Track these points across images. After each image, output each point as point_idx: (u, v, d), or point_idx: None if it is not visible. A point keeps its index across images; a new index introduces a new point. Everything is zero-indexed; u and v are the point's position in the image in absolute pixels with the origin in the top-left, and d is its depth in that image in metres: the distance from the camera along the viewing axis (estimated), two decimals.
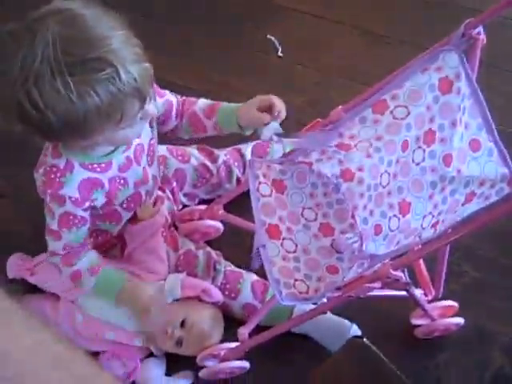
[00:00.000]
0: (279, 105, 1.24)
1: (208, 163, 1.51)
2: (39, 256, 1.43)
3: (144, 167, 1.28)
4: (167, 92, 1.31)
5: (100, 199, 1.22)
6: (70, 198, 1.17)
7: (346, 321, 1.37)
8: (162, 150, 1.46)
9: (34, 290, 1.43)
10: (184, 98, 1.33)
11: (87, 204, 1.20)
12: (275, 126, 1.20)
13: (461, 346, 1.42)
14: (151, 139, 1.29)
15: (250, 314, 1.36)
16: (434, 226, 1.08)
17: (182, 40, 1.85)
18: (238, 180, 1.53)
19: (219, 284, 1.39)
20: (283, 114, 1.23)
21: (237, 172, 1.53)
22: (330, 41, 1.85)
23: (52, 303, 1.37)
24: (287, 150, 1.30)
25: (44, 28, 0.98)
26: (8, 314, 0.68)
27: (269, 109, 1.22)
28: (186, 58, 1.82)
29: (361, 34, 1.86)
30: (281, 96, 1.74)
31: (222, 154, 1.53)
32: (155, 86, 1.23)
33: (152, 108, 1.13)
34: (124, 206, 1.29)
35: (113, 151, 1.20)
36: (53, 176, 1.16)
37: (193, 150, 1.51)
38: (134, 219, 1.35)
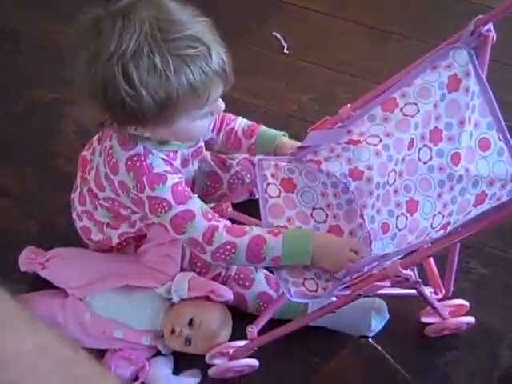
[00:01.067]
0: None
1: (219, 172, 1.49)
2: (52, 250, 1.43)
3: (195, 170, 1.30)
4: (221, 101, 1.28)
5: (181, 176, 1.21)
6: (165, 171, 1.16)
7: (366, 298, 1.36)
8: None
9: (43, 286, 1.43)
10: (225, 113, 1.35)
11: (180, 175, 1.19)
12: None
13: (469, 345, 1.42)
14: (201, 146, 1.31)
15: (265, 303, 1.36)
16: (444, 227, 1.07)
17: None
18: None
19: (233, 274, 1.39)
20: None
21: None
22: (337, 38, 1.85)
23: (60, 301, 1.37)
24: None
25: (136, 10, 1.02)
26: (10, 316, 0.68)
27: None
28: None
29: (368, 31, 1.85)
30: (287, 94, 1.76)
31: (235, 164, 1.51)
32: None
33: (222, 103, 1.16)
34: None
35: (181, 144, 1.21)
36: (139, 164, 1.15)
37: (205, 156, 1.48)
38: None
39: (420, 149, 1.14)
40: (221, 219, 1.19)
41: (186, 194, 1.17)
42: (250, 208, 1.48)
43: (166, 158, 1.18)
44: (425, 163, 1.14)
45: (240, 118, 1.36)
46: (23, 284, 1.43)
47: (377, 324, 1.35)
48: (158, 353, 1.38)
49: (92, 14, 1.06)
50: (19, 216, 1.58)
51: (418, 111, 1.12)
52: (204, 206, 1.19)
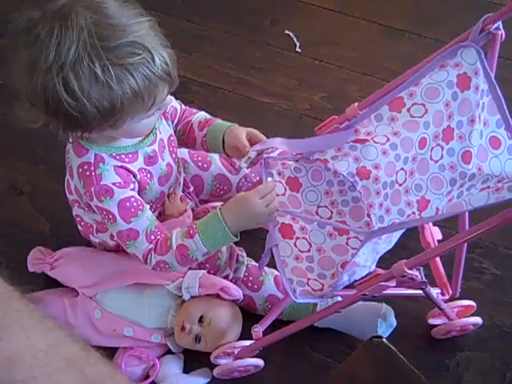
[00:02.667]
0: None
1: (228, 175, 1.46)
2: (60, 250, 1.44)
3: (168, 163, 1.28)
4: (173, 98, 1.30)
5: (136, 188, 1.20)
6: (114, 184, 1.15)
7: (374, 302, 1.36)
8: (184, 153, 1.44)
9: (53, 285, 1.44)
10: (186, 107, 1.33)
11: (132, 185, 1.18)
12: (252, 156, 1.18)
13: (482, 345, 1.41)
14: (170, 135, 1.29)
15: (274, 305, 1.36)
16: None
17: (198, 36, 1.85)
18: None
19: (242, 276, 1.39)
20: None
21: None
22: (349, 36, 1.83)
23: (70, 299, 1.39)
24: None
25: (73, 14, 0.98)
26: (21, 315, 0.68)
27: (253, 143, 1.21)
28: (202, 54, 1.82)
29: (380, 28, 1.83)
30: (299, 92, 1.76)
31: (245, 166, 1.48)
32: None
33: (169, 97, 1.15)
34: (151, 206, 1.29)
35: (139, 142, 1.20)
36: (88, 173, 1.14)
37: (214, 156, 1.47)
38: (160, 216, 1.35)
39: (432, 148, 1.13)
40: (158, 237, 1.19)
41: (133, 210, 1.16)
42: None
43: (119, 163, 1.16)
44: (436, 162, 1.13)
45: (200, 113, 1.32)
46: (34, 282, 1.44)
47: (383, 331, 1.35)
48: (169, 351, 1.39)
49: (27, 15, 1.02)
50: (32, 213, 1.60)
51: (426, 111, 1.11)
52: (151, 224, 1.18)
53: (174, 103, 1.31)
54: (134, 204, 1.17)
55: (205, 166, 1.46)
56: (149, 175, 1.23)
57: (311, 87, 1.76)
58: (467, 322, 1.36)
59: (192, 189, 1.44)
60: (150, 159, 1.22)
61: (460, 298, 1.36)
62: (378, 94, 1.16)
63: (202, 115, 1.32)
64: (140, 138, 1.20)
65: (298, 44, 1.83)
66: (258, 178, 1.47)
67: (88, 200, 1.18)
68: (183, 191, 1.42)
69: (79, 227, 1.39)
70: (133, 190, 1.18)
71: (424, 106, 1.11)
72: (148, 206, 1.20)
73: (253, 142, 1.21)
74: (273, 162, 1.23)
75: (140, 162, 1.20)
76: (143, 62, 1.00)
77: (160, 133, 1.25)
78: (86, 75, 0.98)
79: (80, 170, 1.15)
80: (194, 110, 1.33)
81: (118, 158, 1.17)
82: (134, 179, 1.19)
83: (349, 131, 1.16)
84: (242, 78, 1.79)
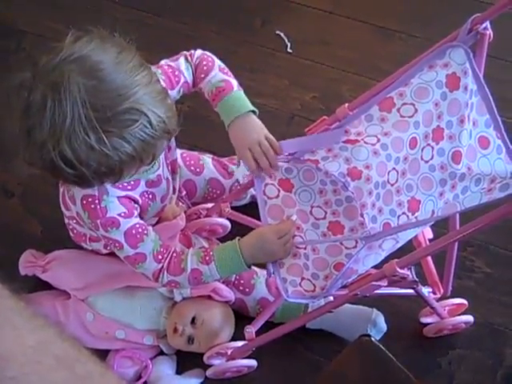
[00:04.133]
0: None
1: (221, 179, 1.46)
2: (52, 253, 1.44)
3: (167, 179, 1.28)
4: (182, 68, 1.22)
5: (138, 213, 1.20)
6: (119, 215, 1.15)
7: (365, 307, 1.37)
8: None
9: (45, 288, 1.44)
10: (197, 62, 1.24)
11: (136, 213, 1.18)
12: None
13: (473, 343, 1.42)
14: (169, 149, 1.27)
15: (265, 309, 1.35)
16: None
17: (189, 37, 1.85)
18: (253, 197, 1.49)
19: (233, 280, 1.39)
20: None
21: (252, 191, 1.46)
22: (340, 36, 1.83)
23: (62, 302, 1.39)
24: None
25: (66, 82, 0.95)
26: (12, 313, 0.68)
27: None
28: None
29: (371, 28, 1.83)
30: (290, 92, 1.76)
31: (238, 172, 1.48)
32: (169, 72, 1.20)
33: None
34: (152, 217, 1.30)
35: (144, 172, 1.17)
36: (93, 206, 1.13)
37: (207, 160, 1.47)
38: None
39: (423, 148, 1.13)
40: (168, 256, 1.19)
41: (139, 236, 1.17)
42: (248, 208, 1.48)
43: (123, 193, 1.16)
44: (426, 162, 1.13)
45: (207, 78, 1.22)
46: (26, 284, 1.44)
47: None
48: (161, 353, 1.39)
49: (18, 79, 1.00)
50: (23, 215, 1.59)
51: (416, 111, 1.12)
52: (156, 245, 1.18)
53: (183, 79, 1.22)
54: (139, 230, 1.17)
55: (197, 170, 1.45)
56: (151, 196, 1.23)
57: (303, 87, 1.76)
58: (459, 320, 1.36)
59: (184, 193, 1.44)
60: (153, 183, 1.22)
61: (452, 297, 1.37)
62: (367, 95, 1.17)
63: (210, 83, 1.22)
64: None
65: (289, 44, 1.83)
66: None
67: (93, 228, 1.18)
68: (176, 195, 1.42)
69: (71, 234, 1.39)
70: (136, 217, 1.18)
71: (414, 105, 1.12)
72: (151, 228, 1.20)
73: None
74: None
75: (142, 185, 1.20)
76: (140, 128, 0.99)
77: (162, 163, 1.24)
78: (82, 148, 0.97)
79: (84, 202, 1.14)
80: (202, 74, 1.23)
81: (120, 186, 1.16)
82: (136, 205, 1.19)
83: (340, 130, 1.16)
84: None
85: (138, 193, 1.20)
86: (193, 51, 1.26)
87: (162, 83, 1.12)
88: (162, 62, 1.22)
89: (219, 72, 1.24)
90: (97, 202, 1.13)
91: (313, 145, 1.18)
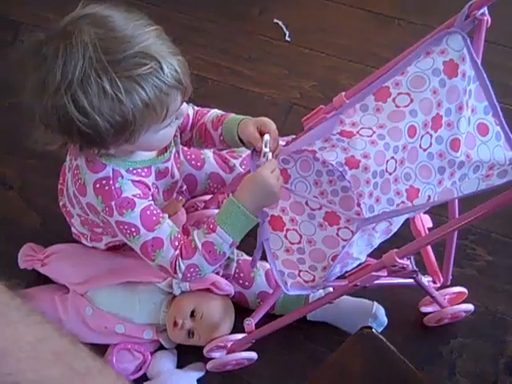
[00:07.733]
0: (273, 133, 1.17)
1: (222, 173, 1.45)
2: (51, 247, 1.44)
3: (177, 180, 1.28)
4: (184, 104, 1.24)
5: (151, 198, 1.19)
6: (134, 195, 1.13)
7: (366, 300, 1.37)
8: None
9: (44, 281, 1.44)
10: (198, 108, 1.31)
11: (150, 197, 1.17)
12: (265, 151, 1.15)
13: (475, 332, 1.41)
14: (176, 151, 1.27)
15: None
16: None
17: (187, 27, 1.84)
18: None
19: (233, 273, 1.38)
20: (273, 145, 1.17)
21: None
22: (338, 24, 1.82)
23: (61, 296, 1.38)
24: None
25: (77, 31, 0.98)
26: (8, 308, 0.68)
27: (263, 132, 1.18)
28: (191, 45, 1.80)
29: (369, 16, 1.82)
30: (289, 81, 1.75)
31: (238, 164, 1.47)
32: None
33: (185, 107, 1.12)
34: None
35: (155, 158, 1.18)
36: (107, 187, 1.12)
37: (208, 153, 1.46)
38: None
39: (422, 136, 1.12)
40: (182, 242, 1.16)
41: (155, 218, 1.15)
42: None
43: (137, 178, 1.15)
44: (424, 150, 1.12)
45: (211, 112, 1.29)
46: (25, 278, 1.44)
47: None
48: (161, 347, 1.38)
49: (34, 37, 1.02)
50: (22, 208, 1.59)
51: (412, 101, 1.11)
52: (174, 231, 1.16)
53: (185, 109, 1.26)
54: (155, 212, 1.15)
55: (198, 164, 1.44)
56: (157, 190, 1.23)
57: (301, 76, 1.75)
58: (459, 309, 1.36)
59: (185, 187, 1.43)
60: (160, 174, 1.22)
61: (453, 285, 1.36)
62: (364, 83, 1.15)
63: (213, 114, 1.28)
64: (156, 153, 1.19)
65: (287, 33, 1.82)
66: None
67: (107, 216, 1.15)
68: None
69: (72, 230, 1.39)
70: (150, 200, 1.17)
71: (409, 95, 1.11)
72: (166, 215, 1.19)
73: (263, 131, 1.17)
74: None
75: (152, 176, 1.20)
76: (151, 72, 0.99)
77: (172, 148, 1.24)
78: (94, 91, 0.97)
79: (97, 186, 1.13)
80: (205, 110, 1.30)
81: (134, 172, 1.15)
82: (149, 192, 1.18)
83: (334, 119, 1.15)
84: (232, 67, 1.78)
85: (150, 182, 1.19)
86: None
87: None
88: None
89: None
90: (111, 183, 1.12)
91: (311, 140, 1.17)
